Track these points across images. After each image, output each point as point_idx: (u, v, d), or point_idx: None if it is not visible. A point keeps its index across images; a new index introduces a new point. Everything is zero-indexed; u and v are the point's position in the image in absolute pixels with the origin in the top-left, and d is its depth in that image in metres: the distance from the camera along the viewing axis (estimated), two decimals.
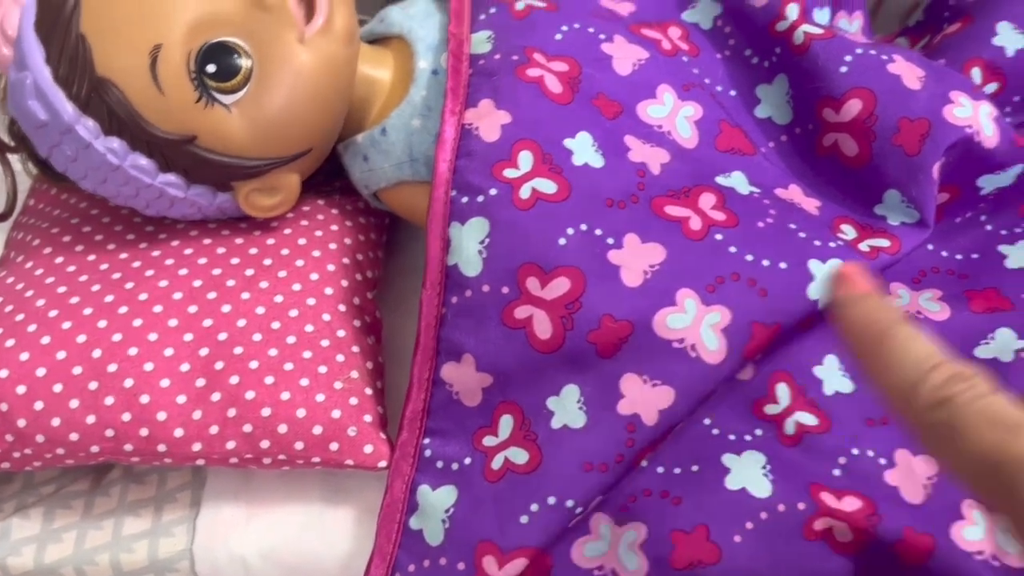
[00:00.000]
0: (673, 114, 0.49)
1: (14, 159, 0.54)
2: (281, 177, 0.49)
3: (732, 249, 0.44)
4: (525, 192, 0.44)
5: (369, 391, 0.47)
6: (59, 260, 0.49)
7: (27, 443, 0.45)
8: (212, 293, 0.47)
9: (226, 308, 0.47)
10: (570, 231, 0.43)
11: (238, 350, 0.46)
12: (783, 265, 0.44)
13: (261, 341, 0.46)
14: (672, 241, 0.44)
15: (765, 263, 0.44)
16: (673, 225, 0.45)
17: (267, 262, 0.49)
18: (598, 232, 0.44)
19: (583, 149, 0.45)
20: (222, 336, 0.46)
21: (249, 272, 0.49)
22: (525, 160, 0.44)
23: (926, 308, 0.49)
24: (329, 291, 0.49)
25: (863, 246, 0.47)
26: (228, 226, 0.52)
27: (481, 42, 0.49)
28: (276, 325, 0.47)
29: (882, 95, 0.48)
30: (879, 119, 0.48)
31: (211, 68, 0.45)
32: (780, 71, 0.52)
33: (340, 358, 0.47)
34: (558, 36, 0.49)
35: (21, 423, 0.44)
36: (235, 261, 0.49)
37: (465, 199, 0.44)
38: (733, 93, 0.53)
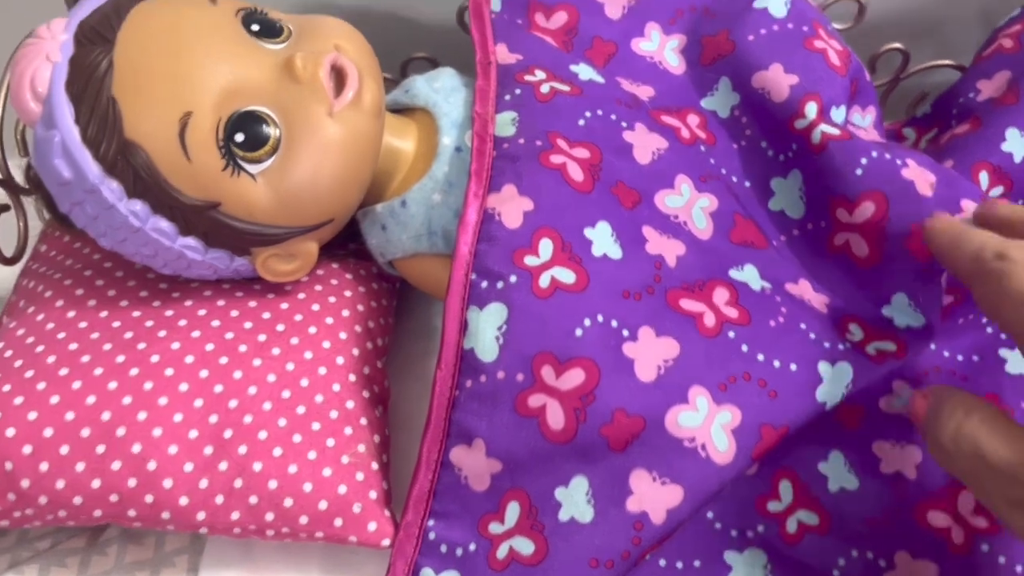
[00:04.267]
0: (690, 205, 0.50)
1: (27, 200, 0.54)
2: (300, 244, 0.49)
3: (744, 348, 0.45)
4: (544, 281, 0.44)
5: (375, 466, 0.47)
6: (70, 314, 0.49)
7: (29, 503, 0.44)
8: (224, 358, 0.47)
9: (237, 374, 0.47)
10: (587, 322, 0.44)
11: (248, 419, 0.46)
12: (793, 367, 0.45)
13: (271, 410, 0.46)
14: (686, 336, 0.45)
15: (776, 364, 0.45)
16: (688, 320, 0.45)
17: (280, 328, 0.49)
18: (614, 324, 0.44)
19: (602, 239, 0.46)
20: (232, 403, 0.46)
21: (262, 338, 0.48)
22: (545, 248, 0.45)
23: None
24: (340, 360, 0.49)
25: (870, 348, 0.47)
26: (242, 288, 0.51)
27: (506, 124, 0.49)
28: (287, 394, 0.47)
29: (895, 199, 0.49)
30: (891, 222, 0.49)
31: (239, 137, 0.45)
32: (795, 166, 0.53)
33: (348, 431, 0.47)
34: (581, 122, 0.49)
35: (25, 483, 0.43)
36: (248, 325, 0.49)
37: (485, 284, 0.44)
38: (747, 184, 0.54)
